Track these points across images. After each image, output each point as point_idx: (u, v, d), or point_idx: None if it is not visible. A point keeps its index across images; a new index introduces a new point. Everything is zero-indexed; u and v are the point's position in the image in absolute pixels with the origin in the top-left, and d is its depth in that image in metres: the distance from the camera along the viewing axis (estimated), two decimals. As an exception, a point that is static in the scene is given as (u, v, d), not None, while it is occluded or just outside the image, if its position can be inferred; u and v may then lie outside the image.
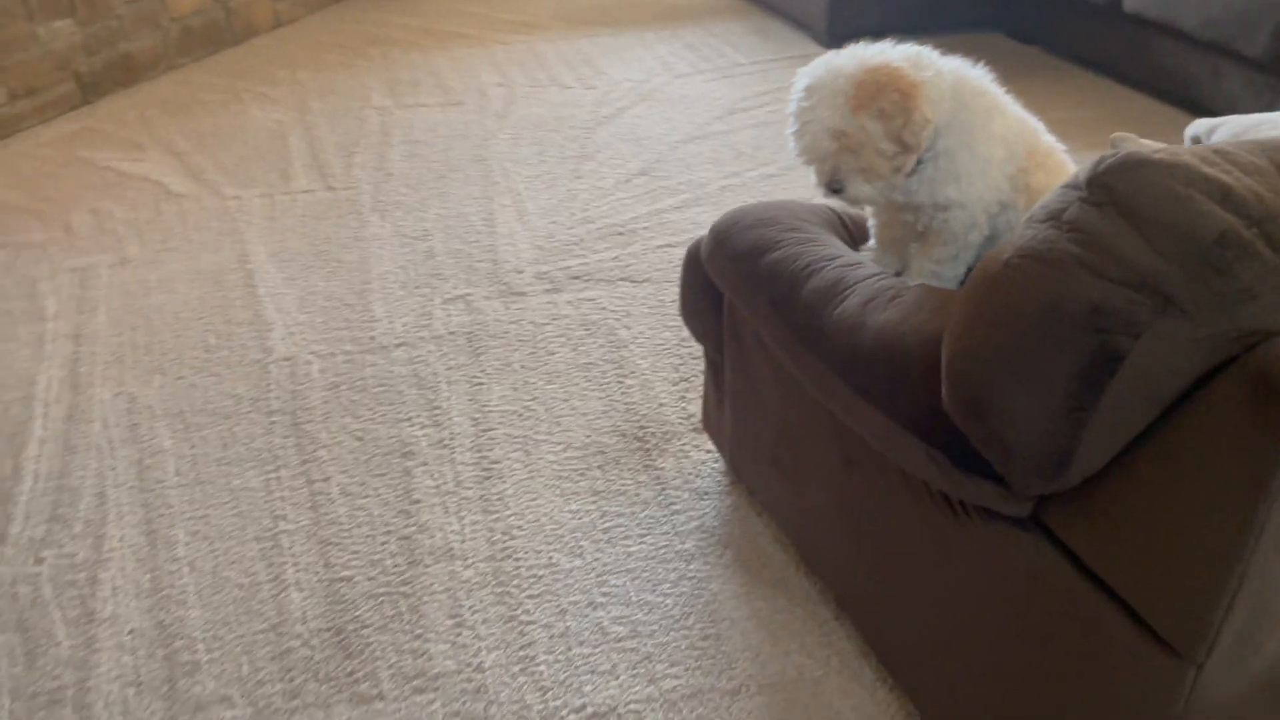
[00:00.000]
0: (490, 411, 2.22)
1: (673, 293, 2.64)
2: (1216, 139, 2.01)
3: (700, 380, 2.30)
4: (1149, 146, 1.33)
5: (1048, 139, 1.51)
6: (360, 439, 2.15)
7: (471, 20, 4.83)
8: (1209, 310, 0.93)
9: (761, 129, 3.62)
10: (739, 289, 1.56)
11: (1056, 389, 1.01)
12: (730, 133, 3.59)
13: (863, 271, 1.44)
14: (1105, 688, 1.16)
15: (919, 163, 1.43)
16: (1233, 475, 0.95)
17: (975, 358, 1.08)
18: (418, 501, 1.97)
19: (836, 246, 1.53)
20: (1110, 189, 0.99)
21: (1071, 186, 1.05)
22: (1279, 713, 1.21)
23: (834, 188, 1.47)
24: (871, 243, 1.65)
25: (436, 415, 2.21)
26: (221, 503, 1.98)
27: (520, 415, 2.21)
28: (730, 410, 1.82)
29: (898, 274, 1.61)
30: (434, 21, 4.82)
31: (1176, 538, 1.02)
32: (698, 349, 2.41)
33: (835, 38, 4.38)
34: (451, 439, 2.14)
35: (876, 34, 4.70)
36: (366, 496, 1.99)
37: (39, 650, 1.67)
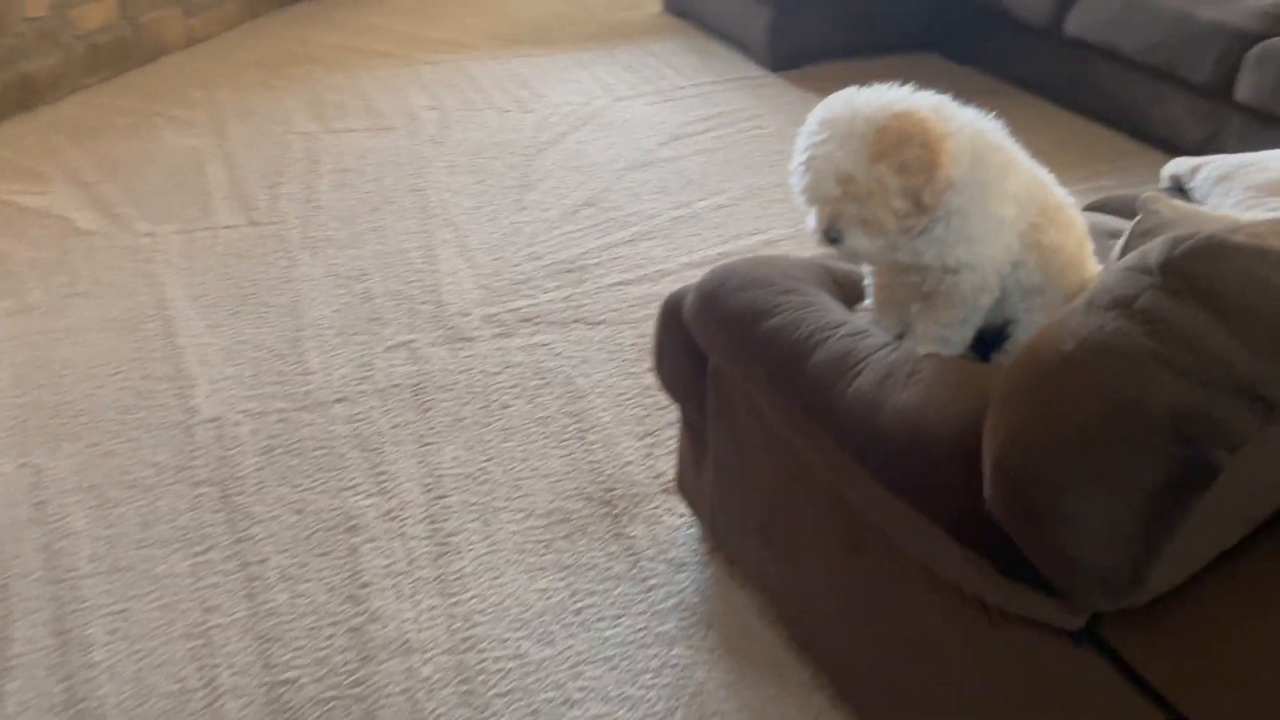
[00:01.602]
0: (443, 475, 2.04)
1: (631, 335, 2.49)
2: (1201, 179, 1.94)
3: (668, 435, 2.16)
4: (1185, 210, 1.23)
5: (1058, 192, 1.41)
6: (299, 512, 1.95)
7: (397, 38, 4.62)
8: (1319, 420, 0.82)
9: (708, 155, 3.50)
10: (732, 356, 1.42)
11: (1133, 500, 0.89)
12: (677, 159, 3.46)
13: (871, 342, 1.31)
14: (1169, 816, 1.04)
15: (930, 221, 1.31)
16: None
17: (1032, 458, 0.96)
18: (367, 585, 1.79)
19: (837, 311, 1.40)
20: (1191, 277, 0.88)
21: (1138, 270, 0.93)
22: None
23: (832, 237, 1.34)
24: (868, 302, 1.52)
25: (383, 481, 2.03)
26: (143, 593, 1.76)
27: (476, 479, 2.04)
28: (713, 476, 1.68)
29: (898, 337, 1.49)
30: (357, 39, 4.60)
31: (1264, 665, 0.91)
32: (662, 399, 2.26)
33: (777, 60, 4.29)
34: (401, 509, 1.96)
35: (818, 57, 4.62)
36: (309, 580, 1.79)
37: (-69, 784, 1.45)
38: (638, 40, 4.70)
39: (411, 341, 2.46)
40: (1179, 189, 2.04)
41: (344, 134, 3.60)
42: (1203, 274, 0.87)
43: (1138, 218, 1.25)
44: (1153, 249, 0.93)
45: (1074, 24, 3.71)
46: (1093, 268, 1.45)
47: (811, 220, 1.36)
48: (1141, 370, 0.87)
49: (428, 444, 2.13)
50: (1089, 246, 1.45)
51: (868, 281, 1.51)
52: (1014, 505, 0.99)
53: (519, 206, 3.12)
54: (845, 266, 1.58)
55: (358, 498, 1.99)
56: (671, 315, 1.66)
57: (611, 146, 3.56)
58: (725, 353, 1.43)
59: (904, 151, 1.24)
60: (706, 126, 3.73)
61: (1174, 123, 3.50)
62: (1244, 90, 3.15)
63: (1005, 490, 1.00)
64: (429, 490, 2.01)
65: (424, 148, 3.51)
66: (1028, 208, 1.34)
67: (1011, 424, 0.99)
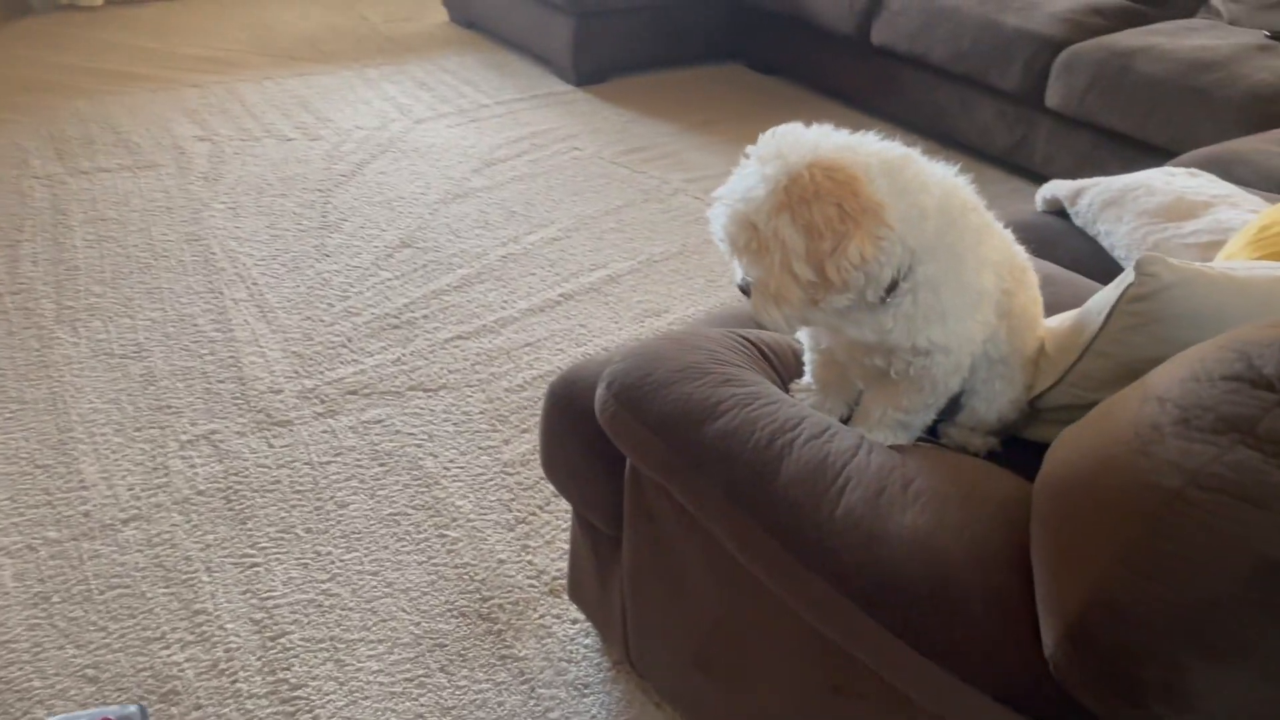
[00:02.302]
0: (276, 607, 1.67)
1: (479, 401, 2.18)
2: (1085, 204, 1.85)
3: (543, 521, 1.87)
4: (1187, 272, 1.08)
5: (1020, 250, 1.24)
6: (94, 680, 1.53)
7: (146, 57, 4.04)
8: None
9: (528, 182, 3.21)
10: (668, 468, 1.16)
11: (1277, 676, 0.71)
12: (494, 188, 3.16)
13: (843, 443, 1.09)
14: None
15: (891, 293, 1.10)
16: None
17: (1132, 621, 0.76)
18: (200, 776, 1.40)
19: (787, 403, 1.17)
20: (1336, 395, 0.70)
21: (1247, 382, 0.75)
22: None
23: (745, 290, 1.13)
24: (807, 379, 1.30)
25: (201, 624, 1.63)
26: (-121, 838, 1.30)
27: (319, 607, 1.68)
28: (630, 593, 1.41)
29: (844, 420, 1.28)
30: (99, 59, 3.98)
31: None
32: (528, 476, 1.98)
33: (582, 74, 4.05)
34: (229, 659, 1.57)
35: (624, 69, 4.42)
36: (119, 781, 1.39)
37: None
38: (427, 54, 4.33)
39: (214, 433, 2.04)
40: (1058, 213, 1.96)
41: (96, 175, 3.05)
42: (1350, 393, 0.69)
43: (1130, 282, 1.09)
44: (1261, 355, 0.75)
45: (880, 34, 3.69)
46: (1043, 326, 1.30)
47: (735, 270, 1.15)
48: (1293, 520, 0.69)
49: (253, 566, 1.75)
50: (1041, 303, 1.29)
51: (808, 358, 1.29)
52: (1103, 679, 0.79)
53: (323, 252, 2.73)
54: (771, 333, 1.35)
55: (169, 650, 1.58)
56: (564, 407, 1.38)
57: (419, 176, 3.20)
58: (659, 464, 1.17)
59: (812, 209, 1.02)
60: (519, 149, 3.44)
61: (984, 129, 3.54)
62: (1053, 97, 3.20)
63: (1090, 661, 0.79)
64: (262, 629, 1.63)
65: (197, 187, 3.03)
66: (1003, 274, 1.15)
67: (1096, 579, 0.78)
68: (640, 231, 2.93)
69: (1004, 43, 3.32)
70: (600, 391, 1.25)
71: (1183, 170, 1.89)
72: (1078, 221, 1.89)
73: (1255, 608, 0.70)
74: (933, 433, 1.32)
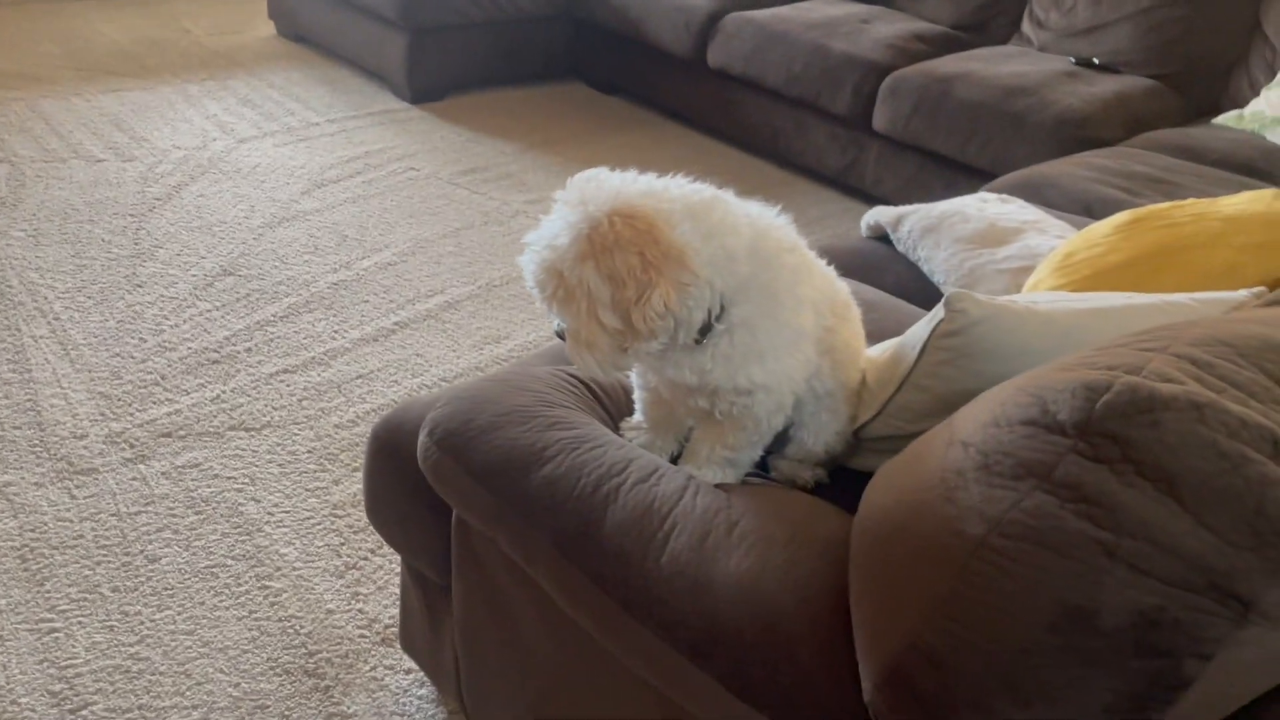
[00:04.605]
0: (77, 675, 1.53)
1: (306, 439, 2.07)
2: (906, 231, 1.91)
3: (374, 566, 1.79)
4: (994, 307, 1.11)
5: (841, 285, 1.25)
6: None
7: (-62, 68, 3.72)
8: (1300, 613, 0.69)
9: (360, 204, 3.10)
10: (494, 518, 1.11)
11: (1084, 719, 0.72)
12: (324, 210, 3.03)
13: (670, 485, 1.07)
14: None
15: (705, 335, 1.10)
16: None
17: (946, 668, 0.76)
18: None
19: (615, 444, 1.14)
20: (1124, 442, 0.72)
21: (1044, 428, 0.76)
22: None
23: (561, 336, 1.11)
24: (638, 418, 1.28)
25: (-11, 702, 1.48)
26: None
27: (126, 673, 1.55)
28: (462, 646, 1.36)
29: (673, 458, 1.27)
30: (-120, 70, 3.64)
31: None
32: (358, 518, 1.89)
33: (417, 91, 3.95)
34: (22, 740, 1.43)
35: (462, 86, 4.35)
36: None
37: None
38: (253, 69, 4.14)
39: (7, 485, 1.87)
40: (881, 238, 2.01)
41: None
42: (1138, 438, 0.71)
43: (940, 319, 1.11)
44: (1055, 400, 0.76)
45: (716, 56, 3.74)
46: (865, 357, 1.32)
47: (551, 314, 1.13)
48: (1089, 565, 0.70)
49: (51, 632, 1.60)
50: (863, 336, 1.32)
51: (637, 396, 1.26)
52: (922, 722, 0.79)
53: (134, 283, 2.55)
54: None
55: (-49, 735, 1.43)
56: (387, 452, 1.32)
57: (242, 199, 3.04)
58: (484, 515, 1.12)
59: (614, 258, 1.02)
60: (352, 170, 3.32)
61: (818, 151, 3.63)
62: (880, 120, 3.31)
63: (908, 706, 0.79)
64: (61, 701, 1.49)
65: (-8, 212, 2.79)
66: (823, 311, 1.16)
67: (911, 626, 0.78)
68: (480, 255, 2.87)
69: (833, 67, 3.42)
70: (422, 439, 1.19)
71: (994, 196, 1.97)
72: (900, 248, 1.95)
73: (1059, 653, 0.71)
74: (763, 465, 1.32)
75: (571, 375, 1.30)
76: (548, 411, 1.17)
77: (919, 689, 0.78)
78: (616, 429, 1.28)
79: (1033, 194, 2.26)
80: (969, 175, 3.14)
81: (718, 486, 1.12)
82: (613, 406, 1.31)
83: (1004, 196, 1.99)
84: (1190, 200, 1.51)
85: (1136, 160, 2.54)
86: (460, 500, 1.15)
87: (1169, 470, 0.70)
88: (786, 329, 1.11)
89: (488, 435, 1.14)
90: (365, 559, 1.81)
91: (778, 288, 1.10)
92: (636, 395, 1.27)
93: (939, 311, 1.13)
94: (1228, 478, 0.69)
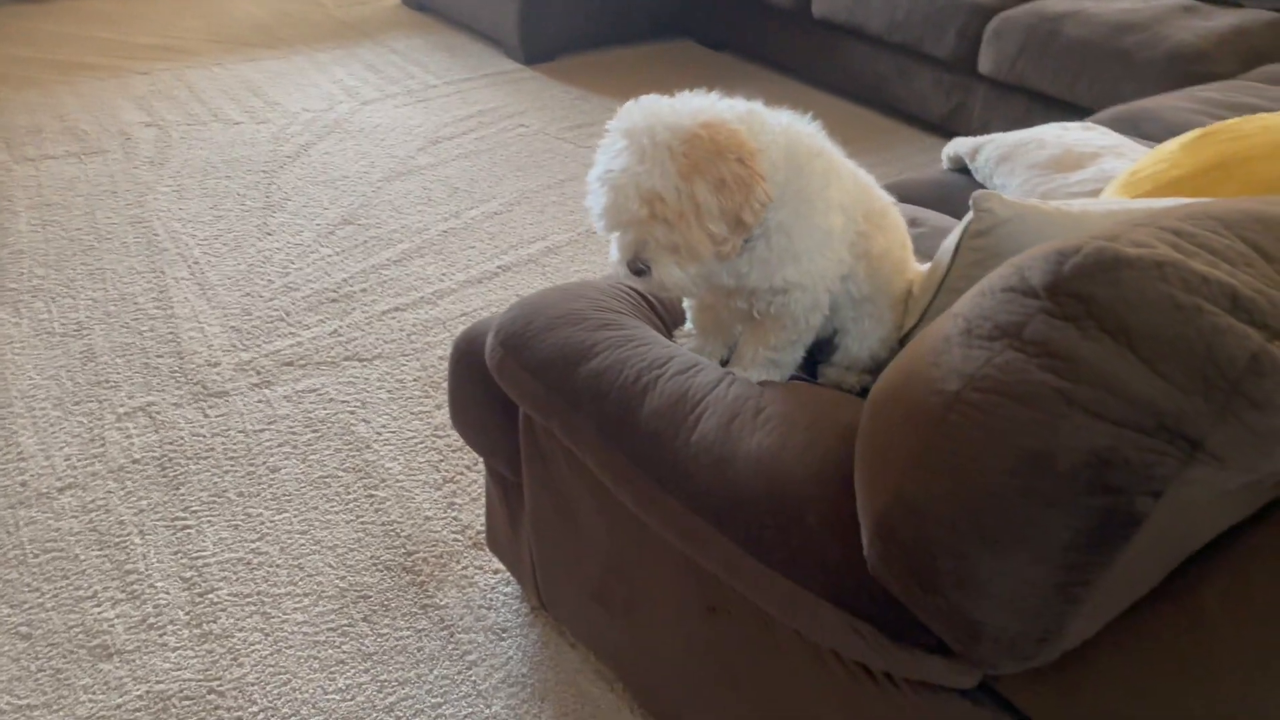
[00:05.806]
0: (206, 565, 1.73)
1: (413, 369, 2.24)
2: (983, 160, 1.92)
3: (470, 480, 1.93)
4: (1019, 207, 1.15)
5: (881, 195, 1.30)
6: (27, 636, 1.59)
7: (98, 47, 4.07)
8: (1247, 454, 0.73)
9: (472, 159, 3.26)
10: (548, 410, 1.22)
11: (1047, 559, 0.78)
12: (438, 165, 3.21)
13: (705, 378, 1.16)
14: None
15: (746, 241, 1.17)
16: (1273, 643, 0.76)
17: (925, 521, 0.83)
18: (125, 721, 1.47)
19: (660, 344, 1.23)
20: (1088, 300, 0.77)
21: (1019, 291, 0.82)
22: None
23: (637, 269, 1.16)
24: (689, 326, 1.37)
25: (132, 583, 1.69)
26: None
27: (248, 564, 1.74)
28: (533, 536, 1.48)
29: (723, 362, 1.35)
30: (50, 51, 4.01)
31: (1171, 713, 0.83)
32: (456, 438, 2.04)
33: (530, 53, 4.10)
34: (158, 615, 1.64)
35: (572, 47, 4.47)
36: (47, 728, 1.45)
37: None
38: (378, 37, 4.37)
39: (151, 405, 2.10)
40: (962, 170, 2.03)
41: (41, 162, 3.09)
42: (1100, 295, 0.76)
43: (969, 217, 1.16)
44: (1030, 266, 0.81)
45: (820, 6, 3.74)
46: (914, 269, 1.37)
47: (614, 249, 1.18)
48: (1050, 414, 0.75)
49: (184, 528, 1.81)
50: (910, 247, 1.36)
51: (688, 304, 1.35)
52: (907, 572, 0.86)
53: (265, 231, 2.78)
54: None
55: (101, 608, 1.64)
56: (466, 360, 1.44)
57: (364, 156, 3.25)
58: (540, 406, 1.23)
59: (720, 165, 1.08)
60: (466, 128, 3.49)
61: (922, 97, 3.60)
62: (986, 62, 3.26)
63: (895, 556, 0.86)
64: (191, 586, 1.69)
65: (142, 171, 3.07)
66: (854, 216, 1.22)
67: (895, 480, 0.85)
68: (581, 204, 2.99)
69: (936, 11, 3.38)
70: (489, 340, 1.31)
71: (1077, 125, 1.96)
72: (978, 177, 1.96)
73: (1020, 495, 0.77)
74: (813, 374, 1.39)
75: (630, 286, 1.40)
76: (600, 315, 1.27)
77: (902, 538, 0.85)
78: (670, 336, 1.37)
79: (1130, 127, 2.21)
80: (1078, 116, 3.04)
81: (759, 383, 1.20)
82: (667, 315, 1.40)
83: (1087, 124, 1.97)
84: (1261, 114, 1.48)
85: (1247, 93, 2.45)
86: (520, 394, 1.27)
87: (1126, 323, 0.75)
88: (818, 230, 1.18)
89: (544, 335, 1.24)
90: (461, 474, 1.95)
91: (810, 192, 1.16)
92: (686, 303, 1.35)
93: (969, 214, 1.18)
94: (1180, 328, 0.73)
